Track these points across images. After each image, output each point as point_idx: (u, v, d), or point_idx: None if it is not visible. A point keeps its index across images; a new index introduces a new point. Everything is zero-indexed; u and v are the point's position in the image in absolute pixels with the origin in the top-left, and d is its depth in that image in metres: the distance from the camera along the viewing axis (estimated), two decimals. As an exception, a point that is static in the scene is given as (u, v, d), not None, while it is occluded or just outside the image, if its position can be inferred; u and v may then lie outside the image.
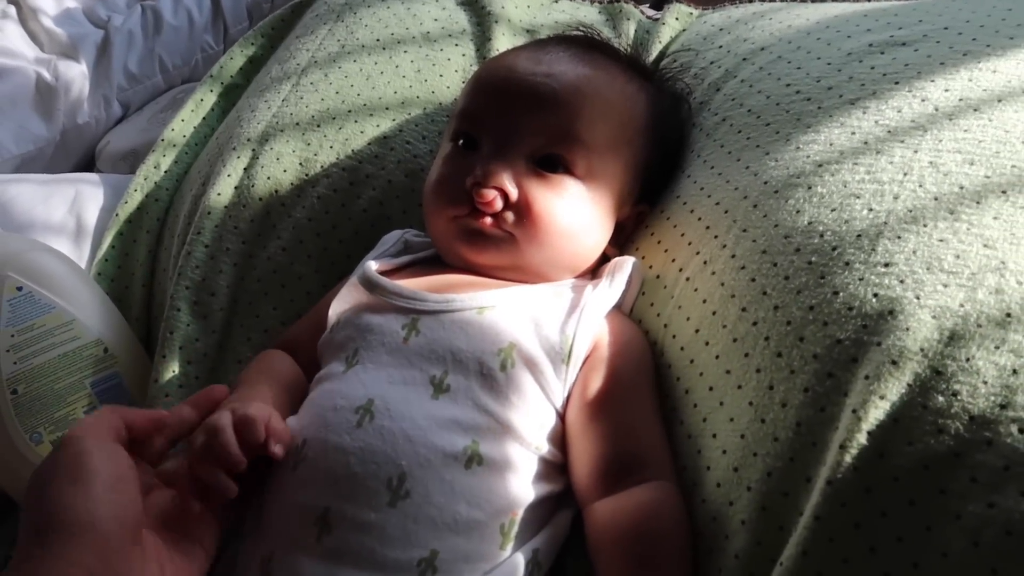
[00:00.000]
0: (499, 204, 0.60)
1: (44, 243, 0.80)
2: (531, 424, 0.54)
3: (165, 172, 0.89)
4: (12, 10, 1.21)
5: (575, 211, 0.62)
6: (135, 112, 1.29)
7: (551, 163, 0.62)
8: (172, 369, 0.69)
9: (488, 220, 0.61)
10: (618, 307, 0.63)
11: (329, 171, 0.78)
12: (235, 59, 0.98)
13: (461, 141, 0.65)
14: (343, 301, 0.64)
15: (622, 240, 0.68)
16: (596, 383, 0.56)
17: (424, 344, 0.57)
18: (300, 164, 0.78)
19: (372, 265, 0.64)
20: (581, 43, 0.71)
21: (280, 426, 0.53)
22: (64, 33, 1.19)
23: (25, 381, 0.69)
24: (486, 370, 0.55)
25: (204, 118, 0.94)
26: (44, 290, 0.73)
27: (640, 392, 0.57)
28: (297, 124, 0.81)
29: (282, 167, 0.78)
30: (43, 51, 1.19)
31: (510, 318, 0.57)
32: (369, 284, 0.62)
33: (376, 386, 0.55)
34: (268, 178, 0.78)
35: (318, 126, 0.80)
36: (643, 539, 0.50)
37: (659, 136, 0.68)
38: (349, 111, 0.81)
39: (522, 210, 0.61)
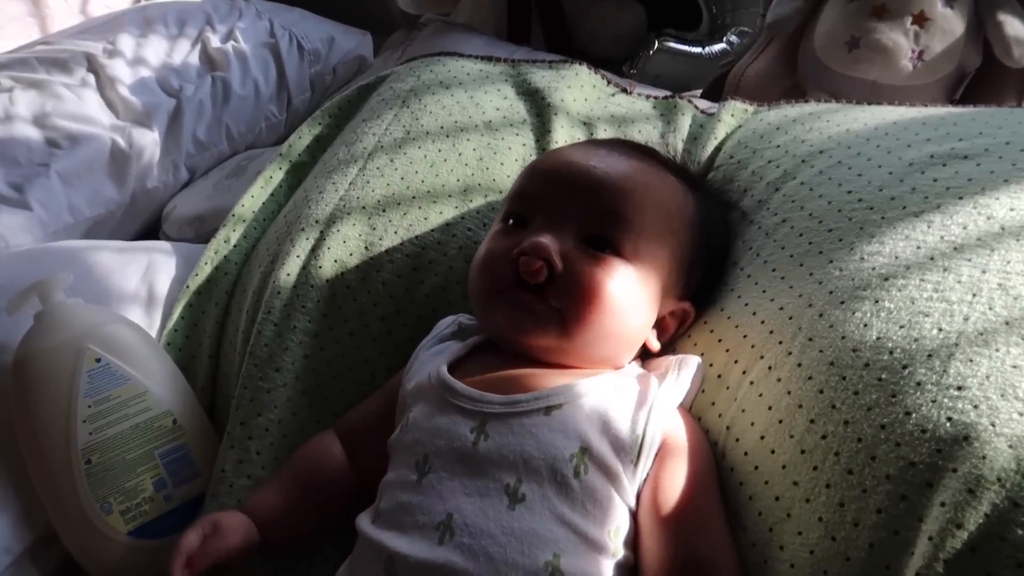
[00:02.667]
0: (544, 274, 0.61)
1: (121, 315, 0.83)
2: (610, 531, 0.55)
3: (234, 246, 0.92)
4: (92, 79, 1.28)
5: (621, 289, 0.63)
6: (201, 177, 1.35)
7: (599, 243, 0.64)
8: (233, 445, 0.72)
9: (531, 297, 0.62)
10: (681, 404, 0.63)
11: (393, 256, 0.81)
12: (303, 138, 1.03)
13: (511, 221, 0.68)
14: (412, 399, 0.65)
15: (666, 337, 0.69)
16: (668, 482, 0.56)
17: (494, 449, 0.57)
18: (366, 248, 0.81)
19: (444, 366, 0.65)
20: (635, 145, 0.73)
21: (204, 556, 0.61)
22: (139, 102, 1.25)
23: (99, 451, 0.72)
24: (560, 477, 0.55)
25: (272, 194, 0.98)
26: (121, 362, 0.76)
27: (711, 493, 0.58)
28: (363, 208, 0.84)
29: (348, 250, 0.81)
30: (119, 118, 1.25)
31: (578, 417, 0.58)
32: (443, 387, 0.63)
33: (453, 499, 0.56)
34: (335, 260, 0.81)
35: (383, 211, 0.84)
36: None
37: (705, 235, 0.70)
38: (413, 197, 0.84)
39: (568, 284, 0.61)
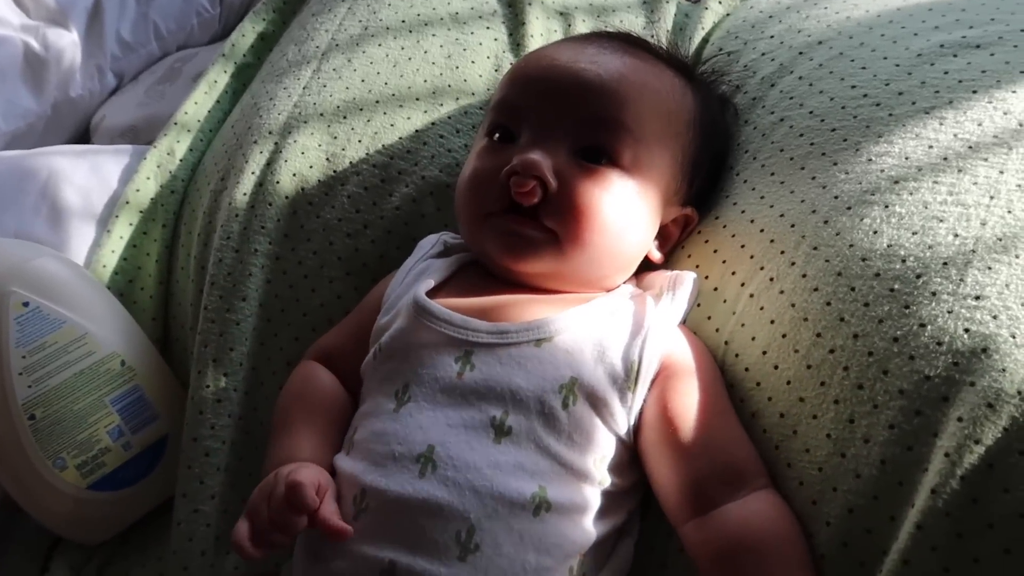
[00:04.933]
0: (538, 194, 0.56)
1: (47, 248, 0.76)
2: (595, 460, 0.53)
3: (180, 160, 0.84)
4: (-9, -28, 1.13)
5: (620, 205, 0.58)
6: (130, 82, 1.23)
7: (595, 154, 0.59)
8: (207, 383, 0.66)
9: (524, 222, 0.57)
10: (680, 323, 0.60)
11: (359, 167, 0.74)
12: (246, 36, 0.93)
13: (497, 135, 0.62)
14: (389, 320, 0.61)
15: (668, 247, 0.65)
16: (677, 401, 0.54)
17: (480, 381, 0.54)
18: (327, 159, 0.74)
19: (421, 289, 0.60)
20: (624, 38, 0.67)
21: (330, 508, 0.51)
22: (52, -1, 1.11)
23: (43, 405, 0.66)
24: (547, 409, 0.52)
25: (217, 100, 0.89)
26: (52, 303, 0.69)
27: (723, 404, 0.55)
28: (321, 115, 0.76)
29: (308, 162, 0.74)
30: (29, 17, 1.11)
31: (570, 348, 0.55)
32: (418, 309, 0.59)
33: (435, 430, 0.53)
34: (294, 174, 0.74)
35: (344, 118, 0.76)
36: (771, 549, 0.48)
37: (706, 134, 0.65)
38: (377, 101, 0.77)
39: (563, 203, 0.57)
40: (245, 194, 0.73)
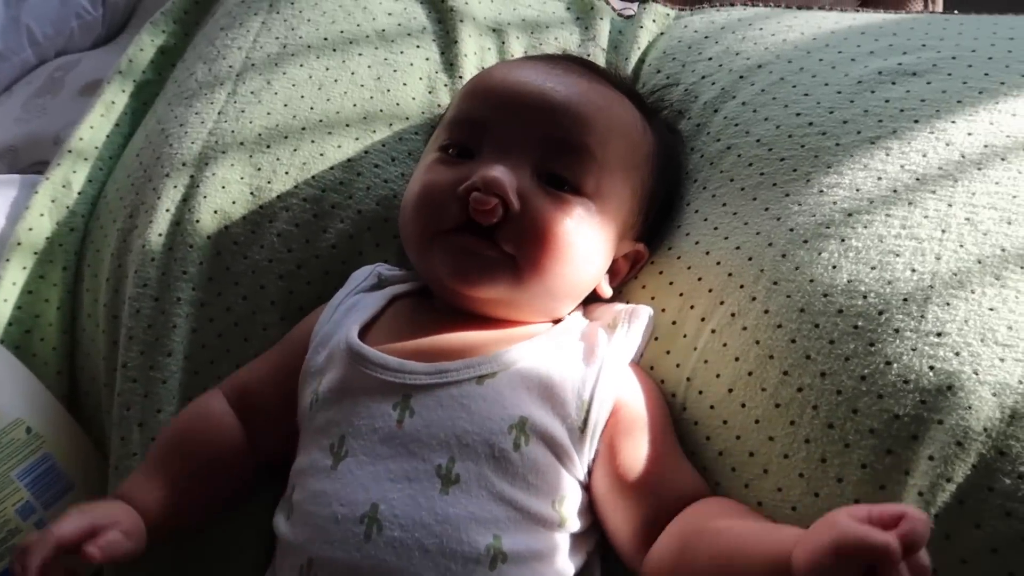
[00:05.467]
0: (498, 214, 0.53)
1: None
2: (554, 502, 0.51)
3: (79, 194, 0.76)
4: None
5: (582, 234, 0.56)
6: (4, 94, 1.11)
7: (558, 180, 0.56)
8: (133, 451, 0.60)
9: (482, 243, 0.54)
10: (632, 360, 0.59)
11: (287, 202, 0.69)
12: (145, 50, 0.84)
13: (452, 151, 0.58)
14: (319, 372, 0.57)
15: (617, 282, 0.63)
16: (627, 454, 0.52)
17: (422, 427, 0.51)
18: (252, 194, 0.69)
19: (354, 330, 0.56)
20: (589, 65, 0.65)
21: (95, 549, 0.48)
22: (-93, 4, 0.99)
23: (-62, 488, 0.58)
24: (498, 452, 0.50)
25: (116, 124, 0.80)
26: (-68, 371, 0.61)
27: (670, 445, 0.54)
28: (241, 144, 0.71)
29: (230, 197, 0.68)
30: None
31: (515, 384, 0.52)
32: (352, 355, 0.55)
33: (377, 487, 0.49)
34: (215, 211, 0.68)
35: (267, 147, 0.70)
36: (714, 524, 0.48)
37: (662, 169, 0.64)
38: (303, 128, 0.72)
39: (525, 227, 0.54)
40: (160, 235, 0.67)
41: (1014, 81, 0.58)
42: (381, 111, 0.74)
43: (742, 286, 0.56)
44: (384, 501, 0.48)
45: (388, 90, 0.75)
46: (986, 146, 0.55)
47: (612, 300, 0.62)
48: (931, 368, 0.47)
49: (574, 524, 0.51)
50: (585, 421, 0.52)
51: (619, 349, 0.57)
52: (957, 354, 0.47)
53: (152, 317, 0.64)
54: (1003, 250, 0.50)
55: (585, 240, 0.57)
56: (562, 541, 0.51)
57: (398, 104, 0.74)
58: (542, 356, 0.54)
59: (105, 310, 0.68)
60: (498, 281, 0.55)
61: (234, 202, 0.68)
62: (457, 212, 0.54)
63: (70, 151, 0.78)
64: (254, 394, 0.60)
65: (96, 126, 0.80)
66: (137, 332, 0.64)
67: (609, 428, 0.53)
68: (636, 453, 0.52)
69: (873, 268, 0.52)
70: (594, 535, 0.54)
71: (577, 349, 0.56)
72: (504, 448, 0.50)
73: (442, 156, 0.58)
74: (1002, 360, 0.46)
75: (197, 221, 0.67)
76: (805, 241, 0.55)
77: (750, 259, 0.57)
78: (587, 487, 0.53)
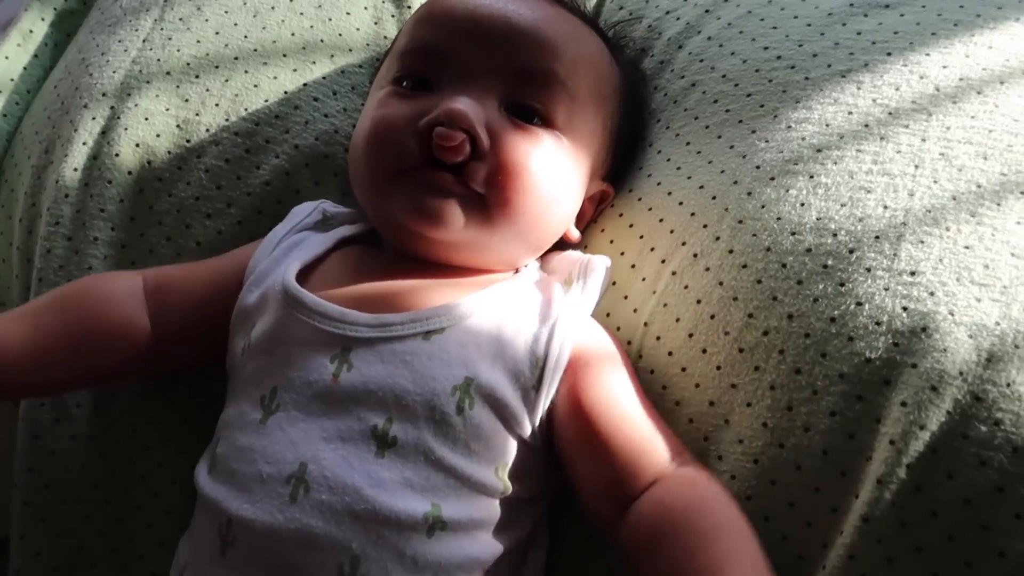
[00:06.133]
0: (466, 150, 0.48)
1: None
2: (497, 468, 0.47)
3: (-12, 129, 0.69)
4: None
5: (555, 171, 0.52)
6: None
7: (527, 112, 0.52)
8: (42, 401, 0.55)
9: (448, 177, 0.49)
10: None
11: (218, 136, 0.63)
12: (64, -26, 0.77)
13: (406, 83, 0.53)
14: (254, 311, 0.52)
15: (583, 224, 0.60)
16: (591, 393, 0.48)
17: (359, 383, 0.46)
18: (178, 127, 0.63)
19: (292, 271, 0.51)
20: None
21: None
22: None
23: None
24: (439, 415, 0.45)
25: (35, 55, 0.73)
26: None
27: (640, 394, 0.50)
28: (168, 73, 0.64)
29: (153, 130, 0.62)
30: None
31: (464, 341, 0.48)
32: (287, 298, 0.50)
33: (308, 445, 0.45)
34: (136, 145, 0.62)
35: (196, 77, 0.64)
36: (700, 524, 0.43)
37: (628, 104, 0.60)
38: (236, 58, 0.66)
39: (495, 164, 0.49)
40: (76, 169, 0.60)
41: (990, 13, 0.55)
42: (322, 41, 0.68)
43: (705, 226, 0.53)
44: (314, 461, 0.44)
45: (330, 19, 0.69)
46: (961, 79, 0.52)
47: (566, 250, 0.58)
48: (904, 309, 0.44)
49: (518, 491, 0.47)
50: (540, 380, 0.48)
51: (575, 307, 0.52)
52: (932, 294, 0.44)
53: (64, 258, 0.58)
54: (979, 186, 0.47)
55: (559, 177, 0.53)
56: (505, 509, 0.47)
57: (340, 35, 0.69)
58: (495, 310, 0.50)
59: (18, 253, 0.62)
60: (466, 222, 0.50)
61: (158, 135, 0.62)
62: (417, 149, 0.49)
63: (-21, 82, 0.70)
64: (174, 292, 0.54)
65: (12, 56, 0.72)
66: (47, 274, 0.58)
67: (569, 374, 0.48)
68: (601, 391, 0.48)
69: (843, 205, 0.48)
70: (541, 502, 0.51)
71: (533, 305, 0.51)
72: (446, 411, 0.45)
73: (396, 89, 0.53)
74: (979, 300, 0.43)
75: (117, 155, 0.61)
76: (772, 178, 0.52)
77: (714, 198, 0.53)
78: (536, 449, 0.49)
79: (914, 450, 0.41)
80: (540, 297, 0.52)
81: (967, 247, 0.45)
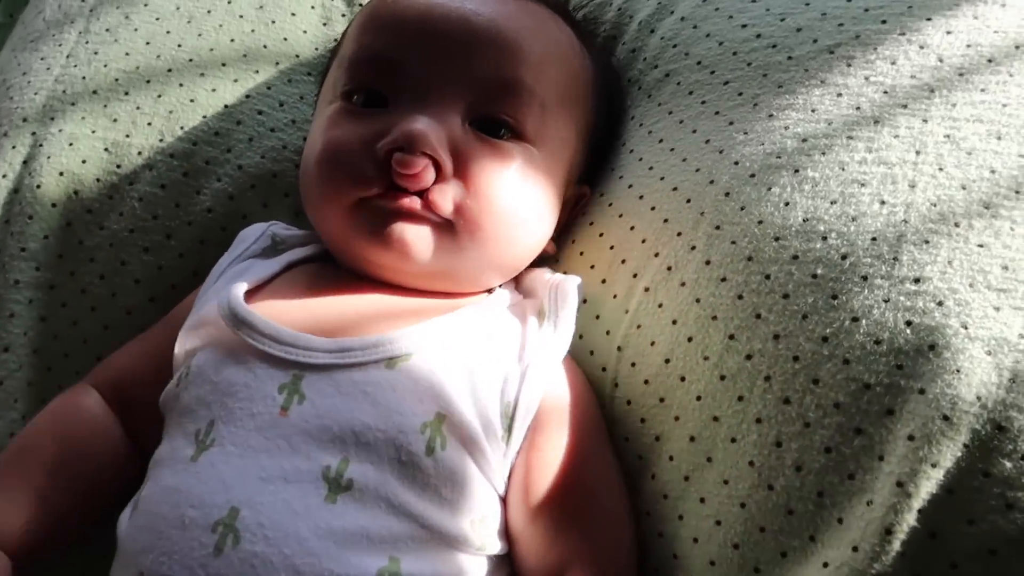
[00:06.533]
0: (429, 177, 0.44)
1: None
2: (471, 520, 0.41)
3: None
4: None
5: (528, 189, 0.47)
6: None
7: (493, 126, 0.47)
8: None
9: (414, 200, 0.44)
10: None
11: (151, 159, 0.58)
12: (-4, -6, 0.73)
13: (358, 97, 0.48)
14: (193, 335, 0.47)
15: (555, 233, 0.54)
16: (542, 460, 0.43)
17: (312, 417, 0.41)
18: (107, 150, 0.58)
19: (239, 289, 0.46)
20: None
21: None
22: None
23: None
24: (405, 456, 0.40)
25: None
26: None
27: (599, 461, 0.45)
28: (94, 92, 0.60)
29: (79, 156, 0.58)
30: None
31: (434, 371, 0.42)
32: (233, 319, 0.44)
33: (242, 485, 0.39)
34: (61, 174, 0.57)
35: (126, 94, 0.60)
36: None
37: (604, 97, 0.54)
38: (169, 70, 0.61)
39: (463, 187, 0.45)
40: (-6, 204, 0.56)
41: (1002, -32, 0.48)
42: (265, 47, 0.63)
43: (679, 233, 0.46)
44: (248, 505, 0.38)
45: (273, 21, 0.64)
46: (969, 46, 0.45)
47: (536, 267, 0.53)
48: (908, 324, 0.37)
49: (494, 546, 0.42)
50: (510, 428, 0.42)
51: (550, 344, 0.46)
52: (940, 304, 0.37)
53: (-19, 303, 0.54)
54: (992, 172, 0.40)
55: (533, 195, 0.48)
56: (476, 566, 0.41)
57: (285, 39, 0.63)
58: (467, 338, 0.44)
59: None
60: (435, 251, 0.45)
61: (84, 161, 0.57)
62: (376, 175, 0.44)
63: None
64: (131, 385, 0.49)
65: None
66: (-35, 322, 0.53)
67: (531, 433, 0.43)
68: (550, 460, 0.43)
69: (833, 203, 0.42)
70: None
71: (508, 333, 0.46)
72: (414, 451, 0.40)
73: (346, 105, 0.48)
74: (997, 309, 0.37)
75: (38, 187, 0.56)
76: (752, 175, 0.45)
77: (688, 201, 0.47)
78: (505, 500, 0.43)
79: (926, 492, 0.35)
80: (516, 326, 0.47)
81: (981, 246, 0.38)
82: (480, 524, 0.41)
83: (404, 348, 0.43)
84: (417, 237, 0.45)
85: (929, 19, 0.47)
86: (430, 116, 0.45)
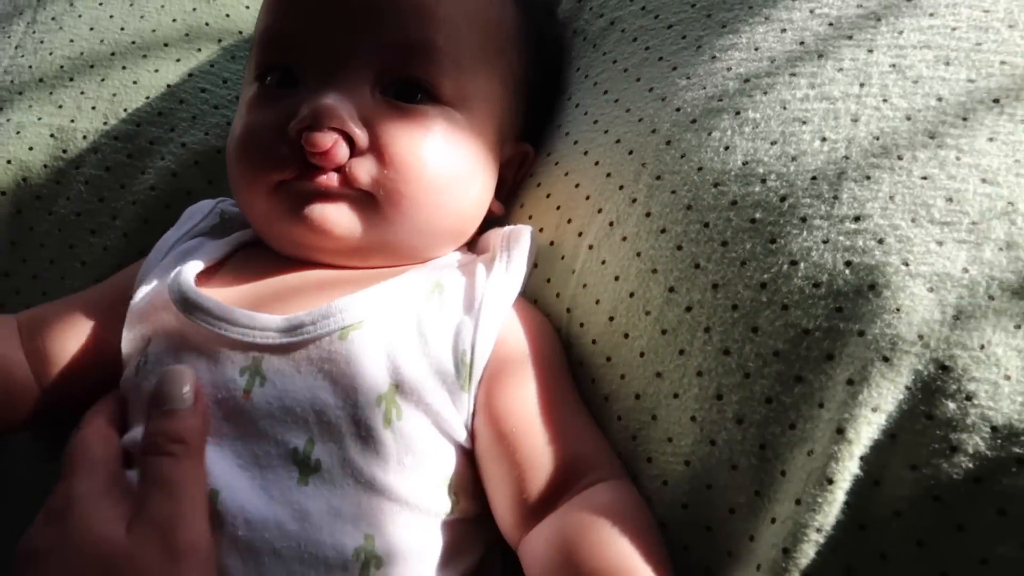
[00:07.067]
0: (343, 153, 0.43)
1: None
2: (436, 483, 0.40)
3: None
4: None
5: (450, 151, 0.46)
6: None
7: (408, 91, 0.45)
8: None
9: (330, 177, 0.43)
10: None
11: (96, 143, 0.57)
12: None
13: (270, 78, 0.47)
14: (145, 323, 0.46)
15: (504, 194, 0.52)
16: (506, 399, 0.42)
17: (274, 399, 0.40)
18: (52, 136, 0.57)
19: (189, 273, 0.45)
20: None
21: None
22: None
23: None
24: (364, 431, 0.39)
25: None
26: None
27: (564, 393, 0.44)
28: (40, 80, 0.59)
29: (25, 144, 0.57)
30: None
31: (385, 340, 0.41)
32: (185, 304, 0.43)
33: (220, 471, 0.39)
34: (8, 162, 0.56)
35: (70, 80, 0.59)
36: (619, 542, 0.37)
37: (536, 46, 0.52)
38: (112, 54, 0.60)
39: (378, 158, 0.44)
40: (-56, 195, 0.56)
41: None
42: (207, 24, 0.62)
43: (622, 187, 0.44)
44: (227, 490, 0.38)
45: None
46: (918, -30, 0.42)
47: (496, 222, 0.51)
48: (848, 264, 0.35)
49: (465, 508, 0.41)
50: (469, 376, 0.42)
51: (500, 285, 0.45)
52: (881, 241, 0.35)
53: (-71, 297, 0.53)
54: (939, 99, 0.38)
55: (457, 157, 0.46)
56: (451, 531, 0.41)
57: (227, 15, 0.62)
58: (415, 295, 0.44)
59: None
60: (360, 226, 0.44)
61: (31, 148, 0.57)
62: (291, 156, 0.43)
63: None
64: (53, 331, 0.48)
65: None
66: (-86, 311, 0.53)
67: (489, 371, 0.42)
68: (516, 395, 0.42)
69: (774, 143, 0.40)
70: (490, 524, 0.44)
71: (455, 291, 0.45)
72: (372, 425, 0.39)
73: (260, 88, 0.47)
74: (940, 244, 0.34)
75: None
76: (693, 121, 0.43)
77: (631, 152, 0.45)
78: (472, 454, 0.42)
79: (867, 438, 0.33)
80: (463, 280, 0.45)
81: (924, 178, 0.36)
82: (443, 485, 0.41)
83: (354, 316, 0.42)
84: (338, 214, 0.44)
85: (877, -55, 0.44)
86: (338, 90, 0.43)
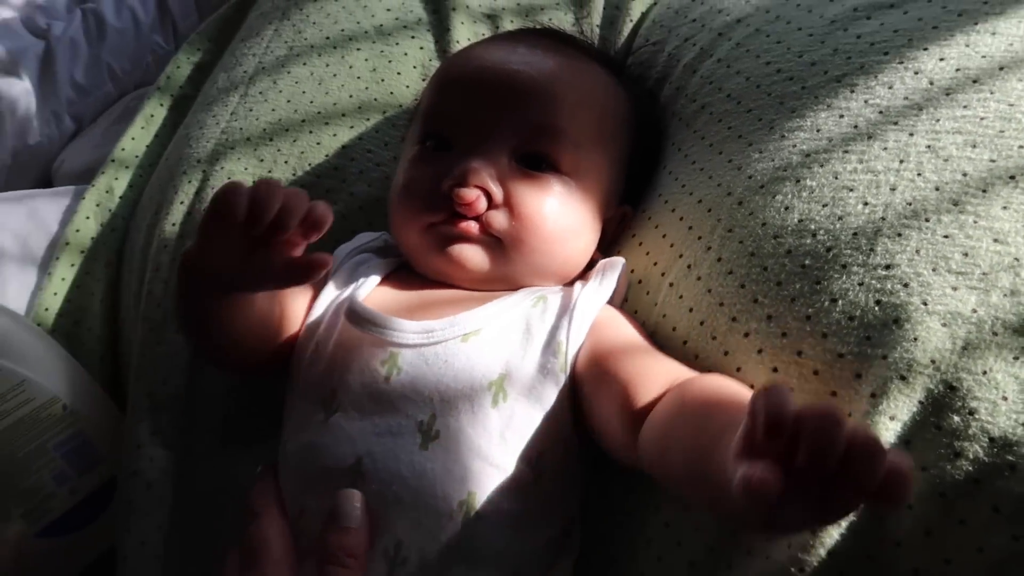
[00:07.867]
0: (482, 205, 0.55)
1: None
2: (531, 458, 0.50)
3: (120, 198, 0.84)
4: (-56, 27, 1.15)
5: (565, 211, 0.58)
6: (90, 125, 1.24)
7: (535, 161, 0.58)
8: (141, 417, 0.65)
9: (471, 224, 0.56)
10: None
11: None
12: (182, 67, 0.92)
13: (430, 143, 0.60)
14: (316, 324, 0.58)
15: (604, 244, 0.63)
16: (609, 335, 0.53)
17: (408, 383, 0.52)
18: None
19: (360, 293, 0.58)
20: (551, 35, 0.66)
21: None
22: (2, 48, 1.13)
23: (-18, 457, 0.65)
24: (477, 408, 0.50)
25: (156, 135, 0.88)
26: (-15, 352, 0.68)
27: (648, 342, 0.54)
28: (248, 139, 0.76)
29: (235, 187, 0.73)
30: (-20, 70, 1.13)
31: (498, 341, 0.53)
32: (351, 313, 0.56)
33: (363, 441, 0.51)
34: (221, 201, 0.73)
35: (270, 140, 0.75)
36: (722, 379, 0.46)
37: (639, 130, 0.64)
38: (303, 121, 0.76)
39: (509, 212, 0.56)
40: (174, 224, 0.72)
41: None
42: (376, 100, 0.77)
43: (700, 237, 0.54)
44: (368, 455, 0.50)
45: (383, 80, 0.78)
46: (958, 70, 0.51)
47: None
48: (878, 302, 0.44)
49: (551, 481, 0.51)
50: (564, 364, 0.52)
51: (592, 293, 0.56)
52: (906, 285, 0.43)
53: (160, 297, 0.69)
54: (964, 175, 0.46)
55: (568, 217, 0.58)
56: (536, 500, 0.51)
57: (392, 92, 0.78)
58: (522, 308, 0.55)
59: (135, 299, 0.75)
60: (489, 262, 0.57)
61: (238, 192, 0.73)
62: (441, 206, 0.56)
63: (113, 160, 0.86)
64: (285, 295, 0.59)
65: (136, 137, 0.88)
66: (149, 312, 0.69)
67: (587, 343, 0.53)
68: (615, 336, 0.53)
69: (825, 205, 0.49)
70: (572, 503, 0.54)
71: (555, 300, 0.56)
72: (482, 404, 0.51)
73: (421, 149, 0.61)
74: (955, 288, 0.42)
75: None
76: (762, 186, 0.53)
77: (709, 210, 0.55)
78: (569, 439, 0.52)
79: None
80: (562, 293, 0.57)
81: (946, 236, 0.44)
82: (537, 460, 0.50)
83: (474, 325, 0.53)
84: (473, 253, 0.56)
85: (926, 49, 0.53)
86: (483, 156, 0.56)
